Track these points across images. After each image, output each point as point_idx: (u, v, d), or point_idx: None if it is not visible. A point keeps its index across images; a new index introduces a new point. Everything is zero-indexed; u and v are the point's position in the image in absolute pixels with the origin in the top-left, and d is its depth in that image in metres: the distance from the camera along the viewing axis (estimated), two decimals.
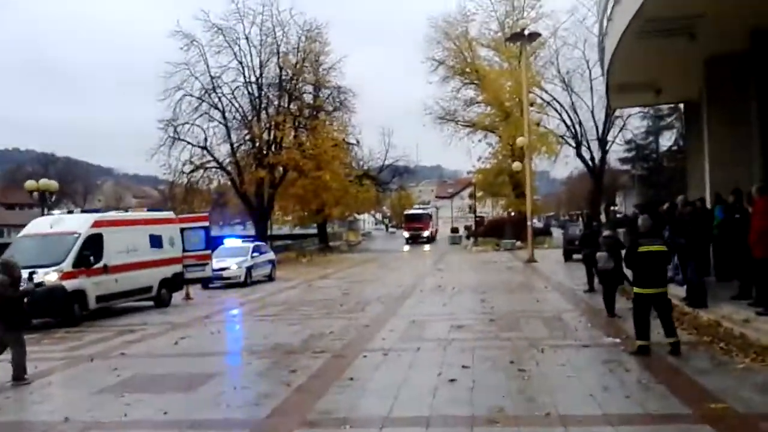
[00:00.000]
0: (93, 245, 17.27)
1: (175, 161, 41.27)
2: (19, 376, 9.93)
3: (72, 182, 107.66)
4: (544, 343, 11.27)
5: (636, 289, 10.17)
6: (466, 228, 73.87)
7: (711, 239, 14.52)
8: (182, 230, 21.22)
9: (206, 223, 22.25)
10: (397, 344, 11.94)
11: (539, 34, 38.19)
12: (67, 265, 16.54)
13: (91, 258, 16.91)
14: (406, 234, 67.92)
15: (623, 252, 12.03)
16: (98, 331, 15.20)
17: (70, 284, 16.33)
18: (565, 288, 20.39)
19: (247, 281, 26.11)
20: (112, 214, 20.06)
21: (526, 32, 34.50)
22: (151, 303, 19.78)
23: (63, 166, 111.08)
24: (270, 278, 28.36)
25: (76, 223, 17.70)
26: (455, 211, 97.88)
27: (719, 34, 17.69)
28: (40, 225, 18.36)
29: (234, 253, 27.06)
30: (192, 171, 41.96)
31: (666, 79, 23.61)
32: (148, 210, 22.67)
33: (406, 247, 60.18)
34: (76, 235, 17.12)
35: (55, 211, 19.45)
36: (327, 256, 48.64)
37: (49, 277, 16.21)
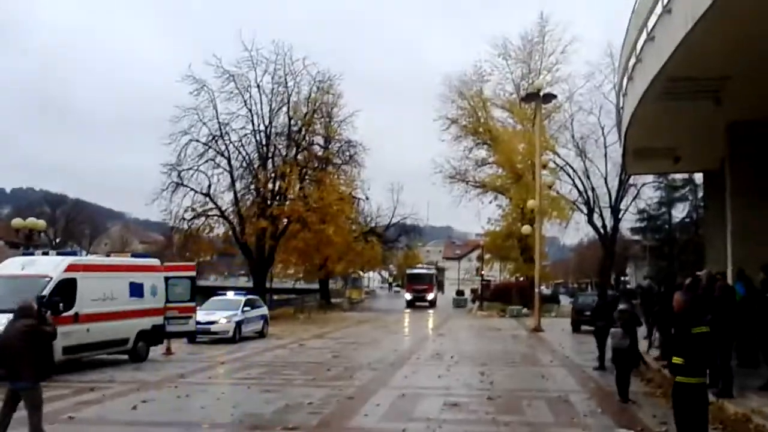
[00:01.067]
0: (65, 291, 16.00)
1: (177, 207, 40.34)
2: None
3: (80, 224, 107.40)
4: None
5: (681, 379, 8.20)
6: (473, 291, 70.83)
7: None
8: (167, 279, 19.93)
9: (193, 273, 20.96)
10: (379, 423, 10.53)
11: (554, 96, 37.34)
12: None
13: (61, 305, 15.56)
14: (408, 296, 60.20)
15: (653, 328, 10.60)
16: (56, 388, 13.70)
17: None
18: (573, 363, 18.84)
19: (236, 337, 24.64)
20: (90, 258, 18.94)
21: (541, 93, 33.63)
22: (125, 357, 18.40)
23: (72, 207, 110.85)
24: (261, 335, 26.89)
25: (49, 266, 16.47)
26: (462, 273, 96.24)
27: (745, 97, 16.65)
28: (11, 266, 17.10)
29: (224, 307, 25.70)
30: (193, 218, 40.87)
31: (686, 146, 22.55)
32: (132, 256, 21.42)
33: (408, 309, 54.65)
34: (47, 279, 15.87)
35: (38, 252, 18.21)
36: (326, 313, 47.09)
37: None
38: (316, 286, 60.64)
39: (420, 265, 70.47)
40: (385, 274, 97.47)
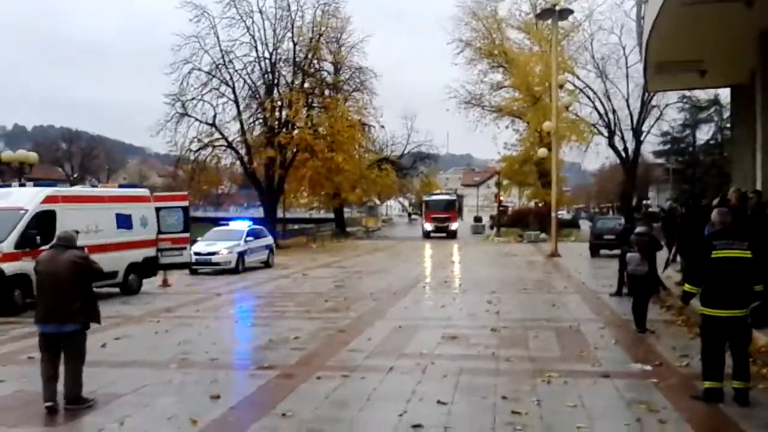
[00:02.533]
0: (42, 223, 14.98)
1: (182, 138, 39.23)
2: (79, 391, 7.39)
3: (94, 159, 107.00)
4: (553, 368, 8.73)
5: (705, 310, 7.25)
6: (491, 218, 69.05)
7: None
8: (158, 210, 18.93)
9: (185, 203, 19.89)
10: (366, 360, 9.50)
11: (571, 11, 35.06)
12: (7, 246, 14.35)
13: (38, 238, 14.59)
14: (428, 226, 50.51)
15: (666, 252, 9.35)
16: (30, 324, 12.92)
17: (10, 267, 14.22)
18: (588, 290, 17.73)
19: (239, 268, 23.81)
20: (71, 189, 17.95)
21: (558, 8, 31.52)
22: (117, 290, 17.59)
23: (88, 143, 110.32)
24: (266, 265, 26.06)
25: (25, 197, 15.43)
26: (481, 200, 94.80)
27: None
28: None
29: (226, 237, 24.79)
30: (199, 149, 39.78)
31: (713, 58, 20.71)
32: (120, 186, 20.38)
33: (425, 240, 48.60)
34: (22, 212, 14.89)
35: (14, 184, 17.20)
36: (340, 242, 46.31)
37: None
38: (332, 215, 59.78)
39: (439, 191, 61.60)
40: (405, 202, 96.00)
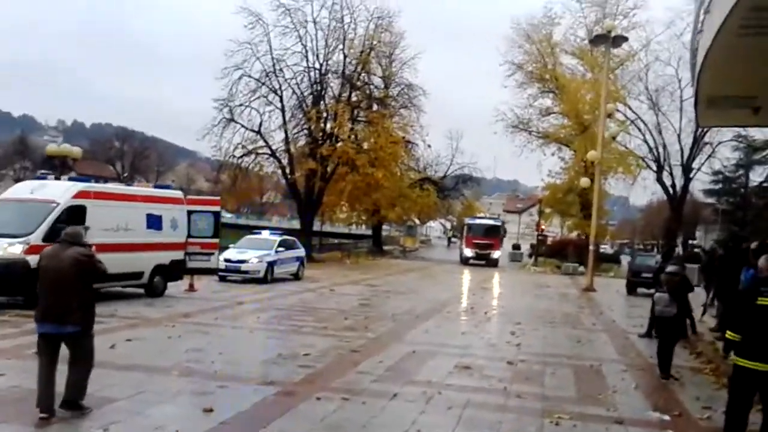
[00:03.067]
0: (73, 218, 15.00)
1: (227, 144, 39.50)
2: (79, 397, 7.17)
3: (145, 159, 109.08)
4: (565, 410, 8.32)
5: (740, 360, 6.61)
6: (531, 246, 67.86)
7: None
8: (190, 213, 18.96)
9: (217, 208, 19.92)
10: (373, 384, 9.23)
11: (625, 38, 34.47)
12: (35, 238, 14.40)
13: None
14: (467, 251, 47.46)
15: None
16: None
17: (36, 260, 14.25)
18: (617, 328, 17.14)
19: (267, 278, 23.75)
20: (104, 186, 17.95)
21: (612, 35, 30.99)
22: (141, 291, 17.64)
23: (140, 143, 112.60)
24: (296, 277, 25.97)
25: (58, 191, 15.55)
26: (522, 227, 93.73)
27: None
28: (20, 190, 16.36)
29: (257, 246, 24.78)
30: (243, 155, 40.01)
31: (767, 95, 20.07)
32: (155, 187, 20.52)
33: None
34: (54, 205, 15.01)
35: (50, 177, 17.40)
36: (375, 259, 46.11)
37: (12, 249, 14.26)
38: (370, 232, 59.63)
39: (482, 214, 58.77)
40: (447, 224, 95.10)
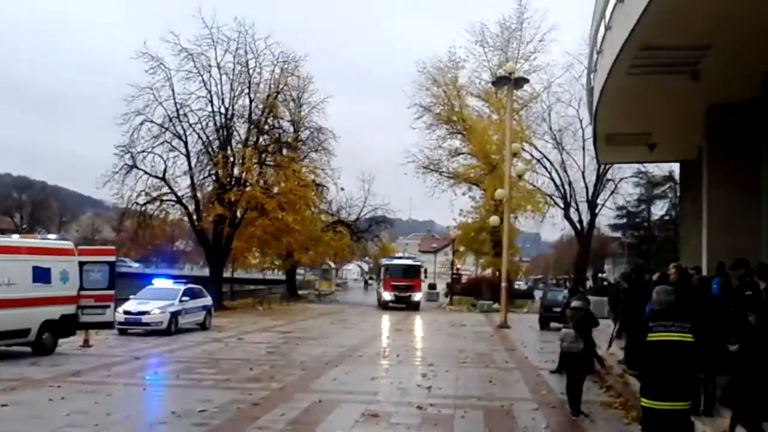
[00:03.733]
0: None
1: (130, 191, 37.96)
2: None
3: (45, 209, 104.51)
4: None
5: (644, 401, 6.35)
6: (447, 285, 68.09)
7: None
8: (81, 265, 17.84)
9: (112, 258, 18.84)
10: None
11: (526, 80, 35.47)
12: None
13: None
14: (386, 295, 43.39)
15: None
16: None
17: None
18: (530, 366, 16.98)
19: (171, 329, 22.54)
20: None
21: (513, 77, 31.73)
22: (29, 349, 16.34)
23: (40, 192, 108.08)
24: (203, 326, 24.82)
25: None
26: (438, 267, 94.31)
27: (726, 75, 14.85)
28: None
29: (160, 296, 23.58)
30: (147, 203, 38.55)
31: (661, 132, 20.74)
32: (43, 238, 19.32)
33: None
34: None
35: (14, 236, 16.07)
36: (289, 305, 45.02)
37: None
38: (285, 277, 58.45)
39: (400, 254, 55.73)
40: (365, 266, 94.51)
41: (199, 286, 26.62)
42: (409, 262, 47.62)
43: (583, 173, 51.32)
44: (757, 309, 7.88)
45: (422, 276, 46.14)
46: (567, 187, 51.75)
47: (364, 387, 12.94)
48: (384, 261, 49.10)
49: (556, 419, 10.38)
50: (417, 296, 43.88)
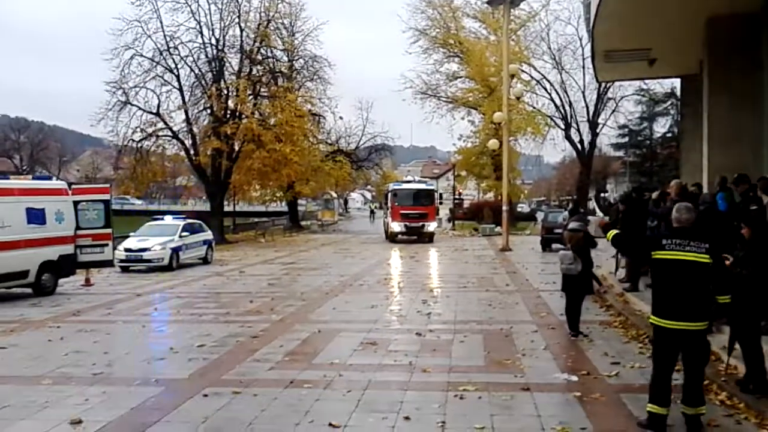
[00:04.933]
0: None
1: (125, 128, 37.51)
2: None
3: (45, 150, 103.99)
4: (471, 380, 7.91)
5: (654, 319, 6.18)
6: (450, 210, 67.90)
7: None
8: (76, 204, 17.70)
9: (107, 196, 18.66)
10: (269, 372, 8.61)
11: None
12: None
13: None
14: (396, 226, 37.25)
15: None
16: None
17: None
18: (530, 287, 17.01)
19: (173, 265, 22.67)
20: None
21: None
22: (30, 290, 16.40)
23: (39, 132, 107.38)
24: (205, 261, 24.92)
25: None
26: (441, 192, 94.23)
27: None
28: None
29: (159, 232, 23.56)
30: (142, 139, 38.08)
31: (661, 46, 20.13)
32: (34, 178, 19.16)
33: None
34: None
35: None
36: (292, 236, 45.16)
37: None
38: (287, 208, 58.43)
39: (410, 178, 47.72)
40: (368, 194, 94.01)
41: (199, 221, 26.60)
42: (421, 186, 41.21)
43: (583, 93, 50.64)
44: (751, 222, 7.68)
45: (436, 202, 40.36)
46: (567, 107, 51.07)
47: (364, 316, 12.94)
48: (391, 186, 41.82)
49: (555, 340, 10.36)
50: (431, 226, 37.85)
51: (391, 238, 37.80)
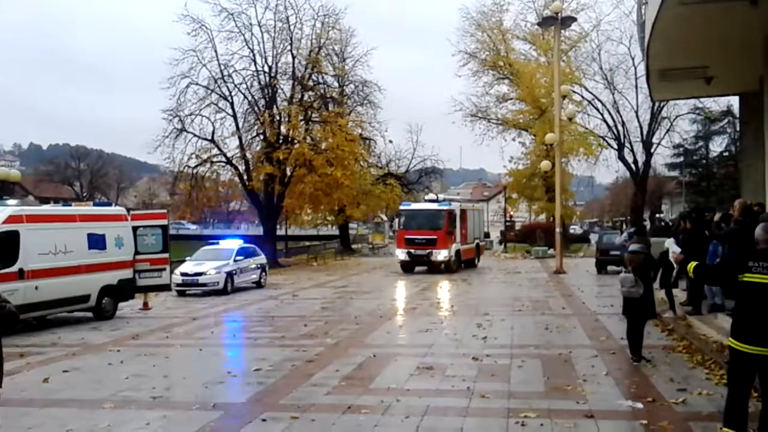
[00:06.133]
0: (4, 245, 14.19)
1: (180, 154, 38.44)
2: None
3: (103, 177, 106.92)
4: (531, 407, 7.74)
5: (732, 342, 5.89)
6: (501, 233, 67.36)
7: None
8: (135, 229, 18.09)
9: (164, 221, 19.01)
10: (326, 397, 8.55)
11: (574, 19, 34.14)
12: None
13: None
14: (401, 253, 32.12)
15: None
16: None
17: None
18: (588, 311, 16.67)
19: (227, 288, 22.91)
20: (39, 208, 17.09)
21: (560, 15, 30.60)
22: (90, 314, 16.77)
23: (97, 160, 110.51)
24: (258, 285, 25.15)
25: None
26: (491, 215, 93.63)
27: None
28: None
29: (215, 257, 23.89)
30: (198, 165, 38.98)
31: (719, 63, 19.65)
32: (95, 205, 19.66)
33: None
34: None
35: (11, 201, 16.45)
36: (344, 259, 45.33)
37: None
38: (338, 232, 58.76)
39: (432, 196, 38.30)
40: None
41: (253, 245, 26.86)
42: (430, 206, 33.38)
43: (636, 112, 49.90)
44: None
45: (449, 224, 31.54)
46: (620, 127, 50.36)
47: (419, 339, 12.84)
48: (401, 207, 36.03)
49: (616, 366, 10.09)
50: (441, 254, 30.81)
51: (403, 267, 31.99)
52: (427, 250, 30.86)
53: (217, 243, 26.48)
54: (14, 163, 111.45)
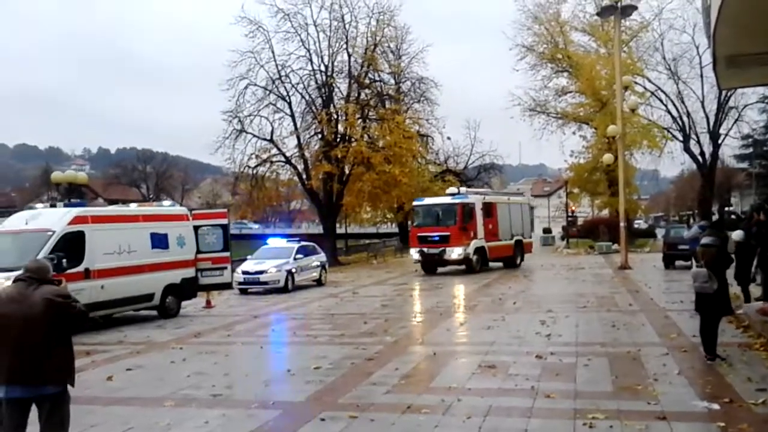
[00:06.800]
0: (70, 245, 14.53)
1: (241, 155, 39.09)
2: None
3: (168, 179, 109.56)
4: (599, 407, 7.41)
5: None
6: (563, 228, 65.99)
7: None
8: (196, 229, 18.32)
9: (225, 221, 19.21)
10: (385, 396, 8.39)
11: (635, 7, 32.99)
12: None
13: (64, 261, 14.04)
14: (413, 253, 30.19)
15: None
16: None
17: None
18: (656, 307, 16.07)
19: (288, 287, 23.08)
20: (103, 209, 17.48)
21: (620, 4, 29.71)
22: (155, 313, 17.06)
23: (163, 162, 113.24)
24: (319, 282, 25.26)
25: (53, 219, 15.00)
26: (552, 210, 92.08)
27: None
28: (15, 221, 15.78)
29: (275, 255, 24.10)
30: (258, 165, 39.57)
31: None
32: (158, 205, 20.05)
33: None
34: (49, 234, 14.42)
35: (38, 205, 17.00)
36: (403, 257, 45.11)
37: (6, 283, 13.63)
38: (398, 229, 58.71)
39: (450, 191, 32.29)
40: None
41: (313, 244, 27.01)
42: (444, 200, 30.33)
43: (702, 103, 48.22)
44: None
45: (463, 218, 28.39)
46: (685, 118, 48.80)
47: (480, 337, 12.58)
48: (414, 203, 32.72)
49: (689, 364, 9.62)
50: (454, 252, 28.17)
51: (421, 267, 30.01)
52: (440, 248, 28.36)
53: (266, 243, 26.68)
54: (84, 166, 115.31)
